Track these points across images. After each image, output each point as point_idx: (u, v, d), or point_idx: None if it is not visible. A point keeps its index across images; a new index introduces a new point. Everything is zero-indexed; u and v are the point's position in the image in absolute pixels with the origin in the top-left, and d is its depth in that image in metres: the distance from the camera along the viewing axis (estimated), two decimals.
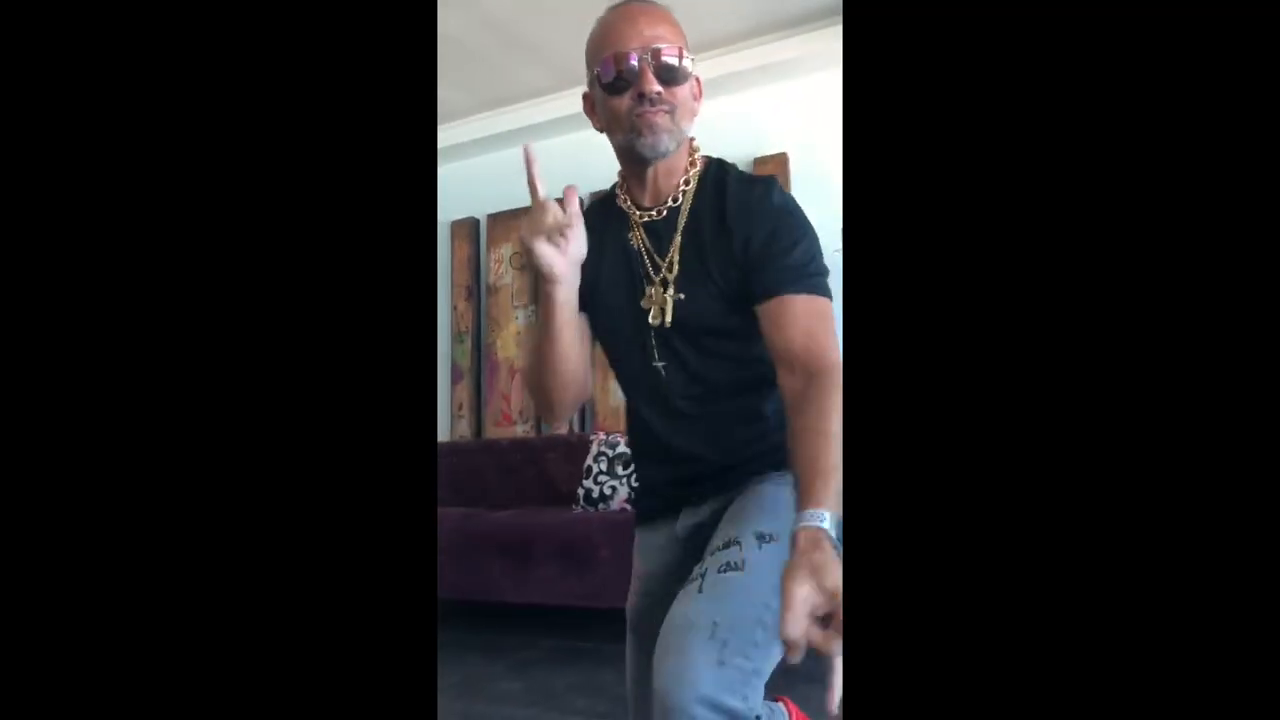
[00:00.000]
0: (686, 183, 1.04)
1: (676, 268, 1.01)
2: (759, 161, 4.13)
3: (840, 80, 4.05)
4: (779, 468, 1.00)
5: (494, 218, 4.40)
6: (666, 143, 0.98)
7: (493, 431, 4.16)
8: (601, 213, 1.09)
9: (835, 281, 0.95)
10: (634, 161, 1.02)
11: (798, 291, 0.92)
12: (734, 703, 0.76)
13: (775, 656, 0.82)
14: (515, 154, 4.42)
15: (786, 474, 0.91)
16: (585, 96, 1.08)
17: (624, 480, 2.93)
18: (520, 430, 4.08)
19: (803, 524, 0.73)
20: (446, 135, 4.31)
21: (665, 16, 1.01)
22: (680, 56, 0.98)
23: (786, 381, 0.90)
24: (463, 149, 4.38)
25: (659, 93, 0.96)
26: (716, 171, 1.05)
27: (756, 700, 0.79)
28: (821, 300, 0.94)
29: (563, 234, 0.91)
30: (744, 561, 0.85)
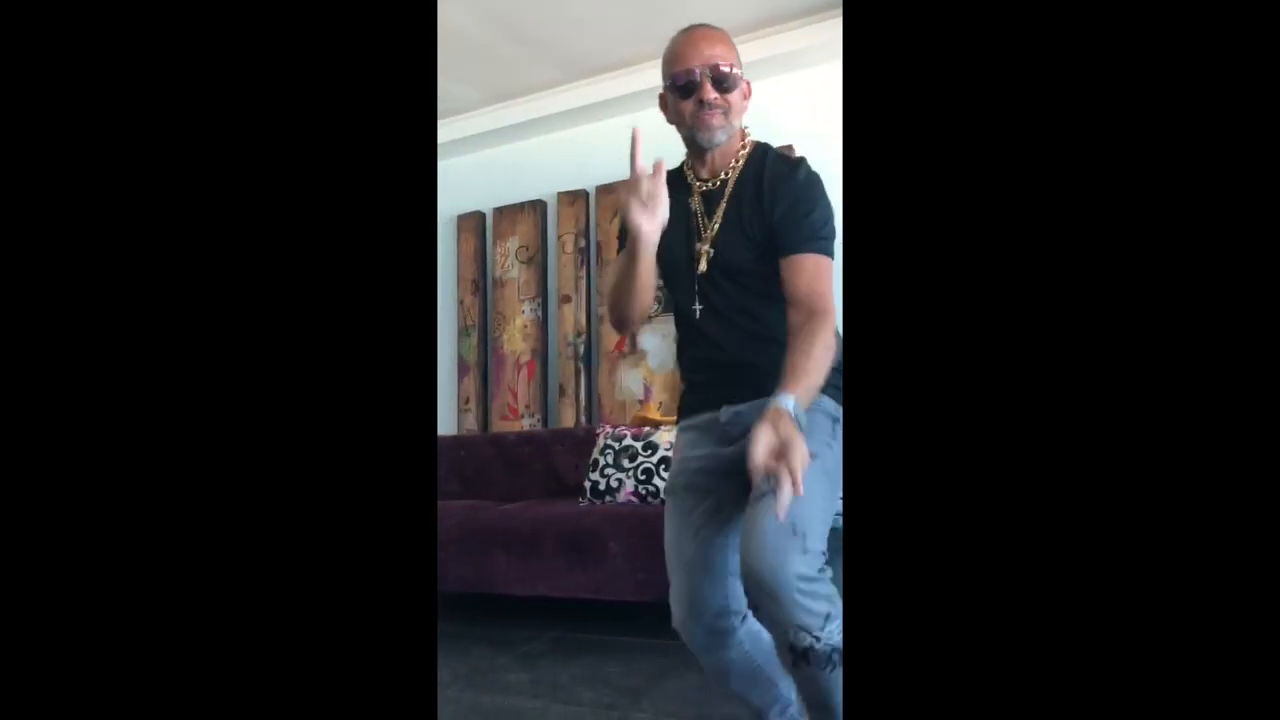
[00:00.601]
0: (736, 162, 1.36)
1: (718, 227, 1.34)
2: None
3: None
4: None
5: (500, 211, 4.40)
6: (720, 136, 1.33)
7: (499, 425, 4.17)
8: (673, 182, 1.33)
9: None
10: (695, 147, 1.37)
11: (807, 251, 1.25)
12: (813, 574, 1.11)
13: (827, 535, 1.17)
14: (520, 148, 4.39)
15: (826, 397, 1.24)
16: (661, 96, 1.39)
17: (630, 473, 2.93)
18: (526, 424, 4.09)
19: (773, 404, 1.07)
20: (452, 129, 4.31)
21: (723, 38, 1.35)
22: (733, 68, 1.31)
23: (792, 317, 1.22)
24: (469, 143, 4.38)
25: (715, 98, 1.30)
26: (760, 153, 1.38)
27: (824, 569, 1.14)
28: (825, 259, 1.26)
29: (653, 201, 1.21)
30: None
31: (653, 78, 3.90)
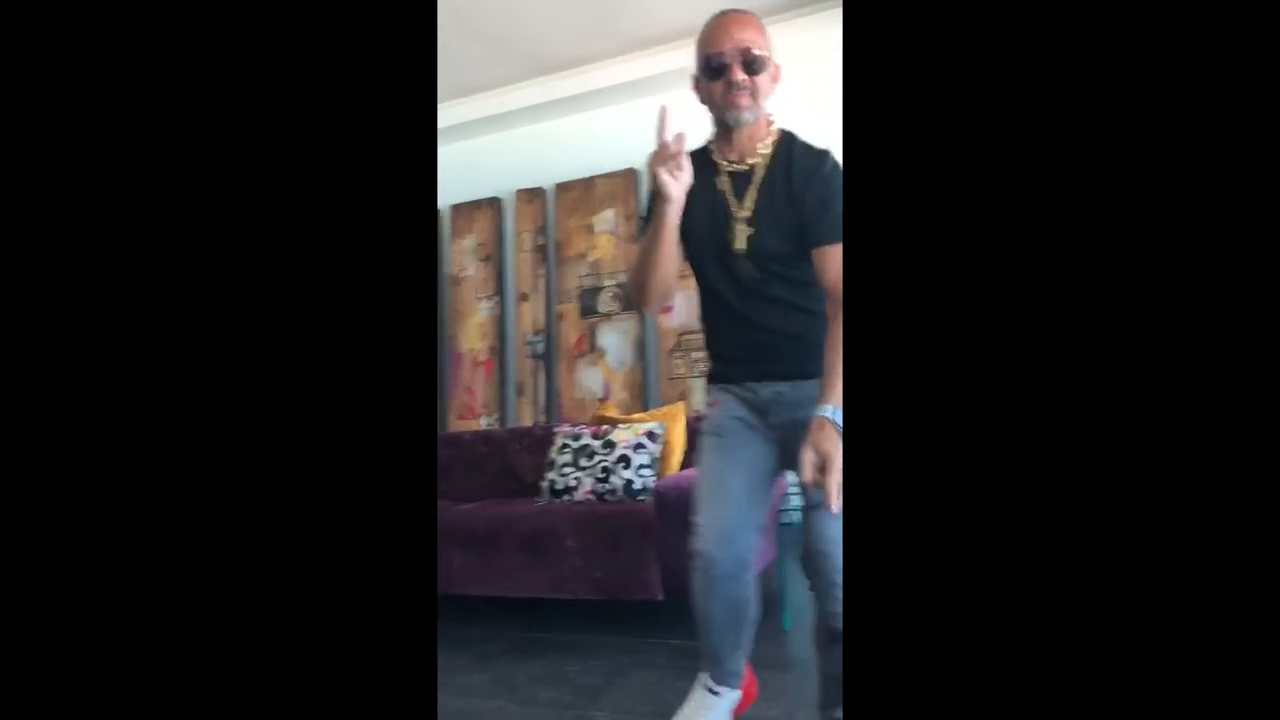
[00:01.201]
0: (764, 147, 1.43)
1: (752, 210, 1.40)
2: None
3: (832, 71, 4.08)
4: None
5: (456, 209, 4.35)
6: (747, 116, 1.40)
7: (456, 424, 4.13)
8: (697, 162, 1.42)
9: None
10: (723, 127, 1.44)
11: (836, 241, 1.33)
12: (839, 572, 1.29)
13: None
14: (478, 145, 4.35)
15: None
16: (695, 78, 1.45)
17: (588, 472, 2.93)
18: (484, 423, 4.06)
19: (817, 413, 1.21)
20: None
21: (753, 22, 1.41)
22: (761, 52, 1.38)
23: (828, 307, 1.33)
24: None
25: (744, 80, 1.37)
26: (787, 142, 1.45)
27: None
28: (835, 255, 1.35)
29: (678, 164, 1.31)
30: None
31: (610, 75, 3.90)
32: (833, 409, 1.20)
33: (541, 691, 2.06)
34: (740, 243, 1.40)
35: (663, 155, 1.32)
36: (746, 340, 1.46)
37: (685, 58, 4.01)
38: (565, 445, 3.06)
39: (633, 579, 2.45)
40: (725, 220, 1.42)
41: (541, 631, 2.64)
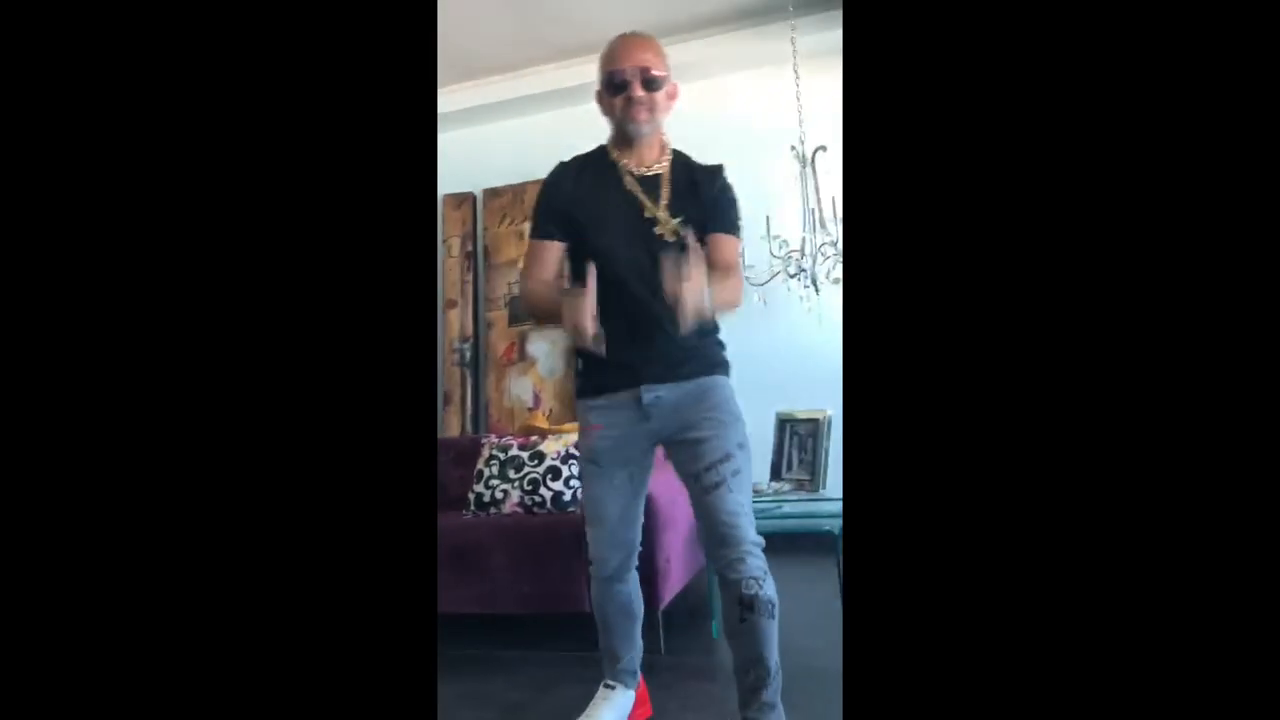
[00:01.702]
0: (663, 158, 1.64)
1: (668, 203, 1.60)
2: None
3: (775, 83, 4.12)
4: (721, 371, 1.63)
5: None
6: (645, 128, 1.59)
7: None
8: (597, 165, 1.64)
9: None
10: (624, 136, 1.62)
11: (726, 231, 1.63)
12: (759, 541, 1.53)
13: None
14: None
15: (727, 379, 1.63)
16: (598, 92, 1.63)
17: (515, 484, 2.88)
18: None
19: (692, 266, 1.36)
20: None
21: (652, 44, 1.61)
22: (658, 72, 1.57)
23: (713, 277, 1.47)
24: None
25: (642, 96, 1.56)
26: (681, 156, 1.69)
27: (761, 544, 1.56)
28: (736, 238, 1.66)
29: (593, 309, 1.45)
30: (740, 469, 1.55)
31: (540, 82, 3.88)
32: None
33: (464, 712, 2.01)
34: (666, 228, 1.58)
35: (586, 304, 1.40)
36: (647, 338, 1.56)
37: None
38: (493, 456, 3.00)
39: (560, 592, 2.41)
40: (642, 214, 1.58)
41: (467, 647, 2.57)
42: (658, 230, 1.58)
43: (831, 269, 3.44)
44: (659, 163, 1.63)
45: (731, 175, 1.69)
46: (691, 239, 1.41)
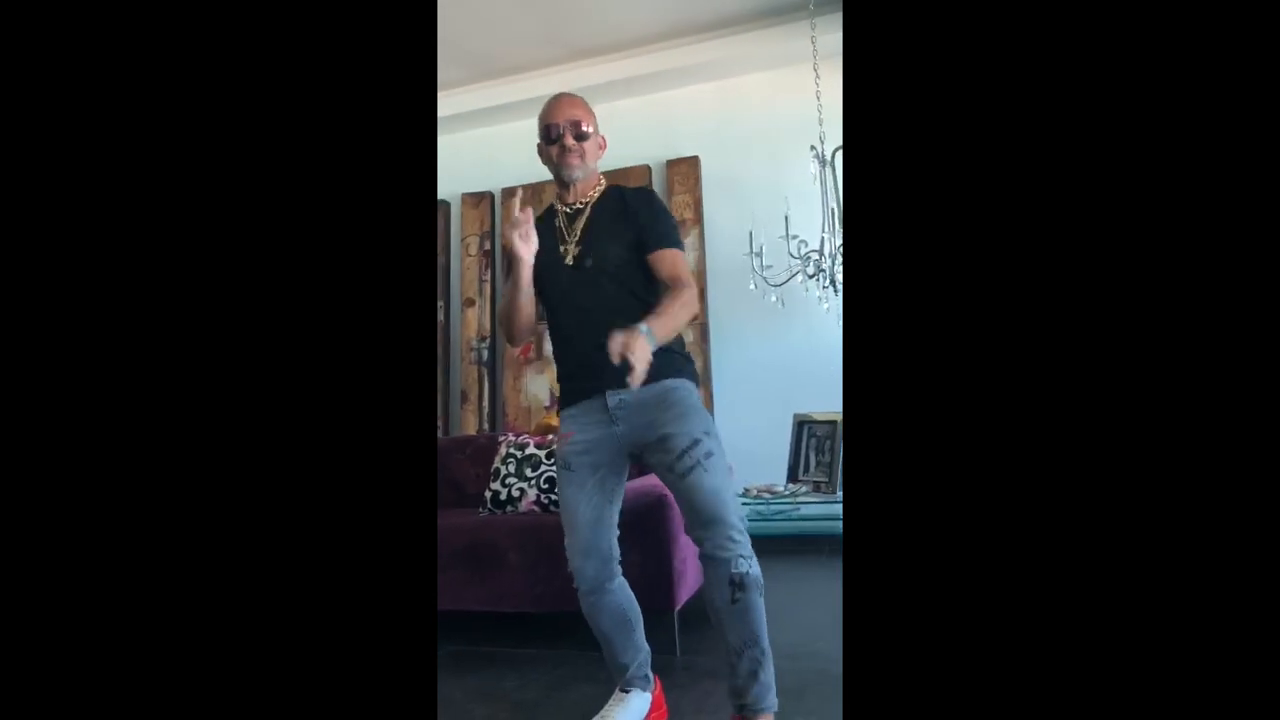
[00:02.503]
0: (593, 193, 1.85)
1: (580, 234, 1.79)
2: (671, 164, 4.17)
3: (752, 84, 4.11)
4: (679, 375, 1.72)
5: None
6: (577, 173, 1.82)
7: None
8: (546, 214, 1.88)
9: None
10: (560, 181, 1.86)
11: (670, 246, 1.76)
12: (743, 524, 1.60)
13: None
14: None
15: (686, 380, 1.72)
16: (538, 144, 1.85)
17: (532, 482, 2.89)
18: None
19: (635, 327, 1.49)
20: None
21: (581, 103, 1.85)
22: (588, 125, 1.82)
23: (663, 291, 1.70)
24: None
25: (574, 145, 1.80)
26: (615, 188, 1.88)
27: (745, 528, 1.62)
28: (678, 250, 1.77)
29: (525, 232, 1.69)
30: (712, 450, 1.61)
31: (559, 82, 3.90)
32: (647, 328, 1.50)
33: (477, 709, 2.01)
34: (570, 259, 1.77)
35: (513, 224, 1.67)
36: (590, 351, 1.66)
37: (632, 67, 4.04)
38: (510, 455, 3.01)
39: (575, 591, 2.41)
40: (558, 246, 1.79)
41: (481, 645, 2.58)
42: (562, 258, 1.78)
43: None
44: (585, 197, 1.83)
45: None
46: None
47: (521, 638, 2.62)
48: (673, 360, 1.71)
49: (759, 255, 3.50)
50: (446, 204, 4.20)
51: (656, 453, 1.64)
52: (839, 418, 3.26)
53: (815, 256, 3.46)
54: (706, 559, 1.55)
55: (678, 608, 2.37)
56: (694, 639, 2.43)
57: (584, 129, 1.81)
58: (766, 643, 1.56)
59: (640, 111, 4.18)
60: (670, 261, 1.73)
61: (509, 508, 2.89)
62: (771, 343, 3.99)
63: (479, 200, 4.12)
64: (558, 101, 1.85)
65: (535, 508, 2.85)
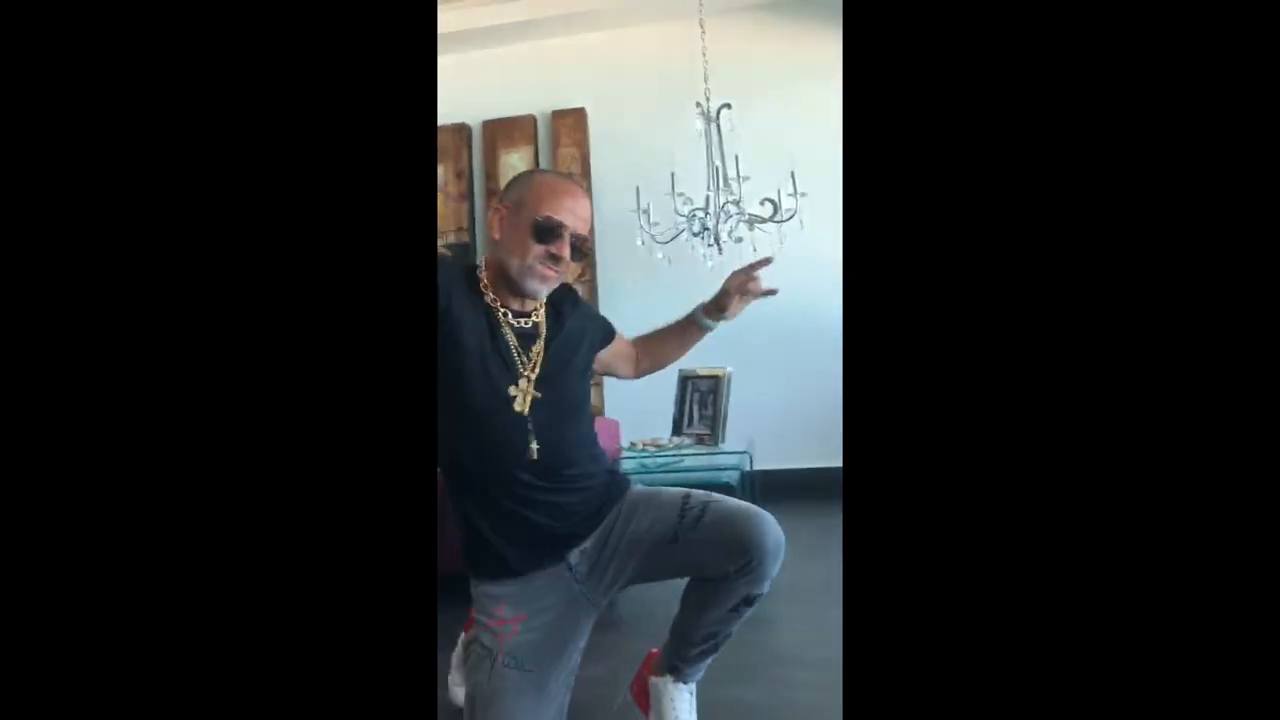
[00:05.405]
0: (540, 307, 1.41)
1: (539, 369, 1.37)
2: (557, 114, 4.07)
3: (646, 34, 4.05)
4: (623, 485, 1.46)
5: None
6: (544, 293, 1.38)
7: None
8: (469, 289, 1.37)
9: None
10: (514, 287, 1.36)
11: (612, 333, 1.61)
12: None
13: None
14: None
15: (640, 487, 1.47)
16: (497, 209, 1.40)
17: None
18: None
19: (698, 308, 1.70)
20: None
21: (589, 205, 1.43)
22: (589, 242, 1.42)
23: (631, 366, 1.70)
24: None
25: (566, 261, 1.35)
26: (555, 300, 1.45)
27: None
28: (616, 331, 1.62)
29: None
30: (714, 497, 1.38)
31: (440, 24, 3.69)
32: (707, 319, 1.68)
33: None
34: (526, 403, 1.33)
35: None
36: (551, 509, 1.34)
37: (520, 10, 3.88)
38: None
39: None
40: (514, 378, 1.34)
41: None
42: (512, 395, 1.33)
43: (734, 228, 3.47)
44: (537, 309, 1.40)
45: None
46: None
47: None
48: (619, 480, 1.47)
49: (646, 212, 3.50)
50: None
51: (642, 521, 1.36)
52: (722, 373, 3.35)
53: (700, 214, 3.50)
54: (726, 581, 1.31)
55: None
56: None
57: (587, 247, 1.40)
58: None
59: (527, 59, 4.05)
60: (623, 343, 1.66)
61: None
62: (658, 300, 4.02)
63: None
64: (572, 193, 1.37)
65: None
